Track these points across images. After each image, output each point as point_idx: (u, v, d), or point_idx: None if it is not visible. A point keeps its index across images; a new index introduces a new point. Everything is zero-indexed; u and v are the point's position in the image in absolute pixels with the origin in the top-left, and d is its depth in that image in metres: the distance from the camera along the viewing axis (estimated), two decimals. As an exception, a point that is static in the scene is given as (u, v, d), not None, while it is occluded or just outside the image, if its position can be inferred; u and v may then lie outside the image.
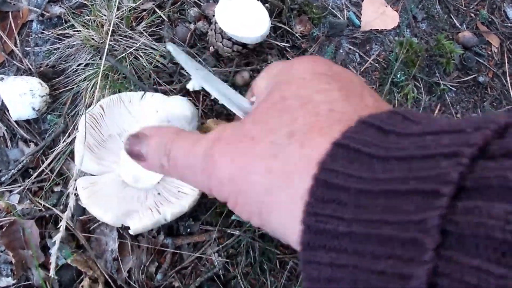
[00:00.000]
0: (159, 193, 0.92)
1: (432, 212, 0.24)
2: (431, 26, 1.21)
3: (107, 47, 1.02)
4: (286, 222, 0.35)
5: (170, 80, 1.05)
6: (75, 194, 0.96)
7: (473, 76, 1.18)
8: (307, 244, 0.31)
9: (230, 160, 0.39)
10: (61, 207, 1.01)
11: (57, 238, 0.90)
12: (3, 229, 0.99)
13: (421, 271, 0.23)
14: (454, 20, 1.23)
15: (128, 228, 0.85)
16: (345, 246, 0.29)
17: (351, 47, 1.15)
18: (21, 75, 1.09)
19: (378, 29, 1.16)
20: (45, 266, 0.99)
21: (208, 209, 1.01)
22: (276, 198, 0.35)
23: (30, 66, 1.09)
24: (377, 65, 1.14)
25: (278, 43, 1.09)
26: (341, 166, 0.31)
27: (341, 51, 1.14)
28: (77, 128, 0.95)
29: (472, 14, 1.25)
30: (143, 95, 0.95)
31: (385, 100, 1.07)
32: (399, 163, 0.29)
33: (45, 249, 1.00)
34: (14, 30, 1.12)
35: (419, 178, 0.27)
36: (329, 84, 0.40)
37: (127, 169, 0.92)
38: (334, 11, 1.17)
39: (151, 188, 0.92)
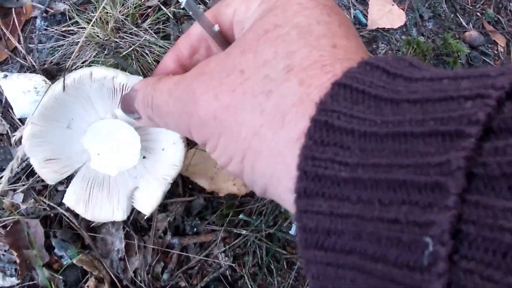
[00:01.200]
0: (144, 157, 0.85)
1: (457, 153, 0.22)
2: (438, 25, 1.20)
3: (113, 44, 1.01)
4: (275, 169, 0.31)
5: (176, 78, 1.04)
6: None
7: (479, 75, 1.18)
8: (303, 192, 0.28)
9: (214, 96, 0.34)
10: (66, 206, 0.99)
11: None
12: (7, 229, 0.97)
13: (444, 217, 0.21)
14: (461, 19, 1.22)
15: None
16: (347, 193, 0.26)
17: (357, 45, 1.14)
18: (25, 72, 1.08)
19: (384, 28, 1.16)
20: (50, 266, 0.98)
21: (214, 210, 1.00)
22: (266, 141, 0.31)
23: (34, 63, 1.07)
24: (384, 64, 1.14)
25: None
26: (344, 107, 0.28)
27: (348, 49, 1.14)
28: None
29: (478, 13, 1.24)
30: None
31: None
32: (412, 105, 0.26)
33: (49, 248, 0.99)
34: (18, 27, 1.10)
35: (438, 119, 0.24)
36: (330, 16, 0.35)
37: (103, 160, 0.84)
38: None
39: (136, 164, 0.84)
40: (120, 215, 0.84)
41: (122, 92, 0.83)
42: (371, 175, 0.25)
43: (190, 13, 0.41)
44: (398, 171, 0.24)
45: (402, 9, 1.19)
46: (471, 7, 1.24)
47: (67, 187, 1.02)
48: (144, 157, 0.87)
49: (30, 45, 1.09)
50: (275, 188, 0.32)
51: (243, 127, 0.32)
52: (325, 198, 0.27)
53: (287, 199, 0.31)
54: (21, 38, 1.10)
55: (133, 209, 0.91)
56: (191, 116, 0.36)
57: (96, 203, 0.85)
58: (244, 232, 0.98)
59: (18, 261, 0.96)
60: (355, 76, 0.29)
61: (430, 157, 0.23)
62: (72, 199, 0.86)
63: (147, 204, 0.84)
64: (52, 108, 0.86)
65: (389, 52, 1.15)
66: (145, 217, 0.83)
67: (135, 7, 1.06)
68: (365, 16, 1.17)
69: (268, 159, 0.31)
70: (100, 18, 1.05)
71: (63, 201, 0.87)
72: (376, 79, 0.29)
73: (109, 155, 0.84)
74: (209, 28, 0.43)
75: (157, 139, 0.87)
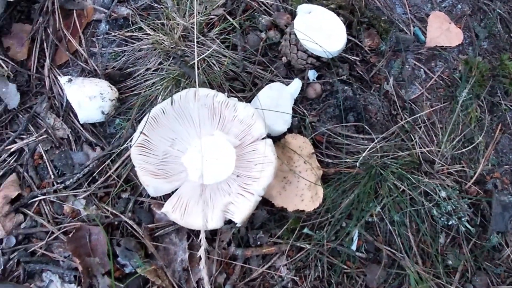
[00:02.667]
0: (238, 176, 0.92)
1: None
2: (492, 45, 1.22)
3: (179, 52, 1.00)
4: None
5: (242, 88, 1.04)
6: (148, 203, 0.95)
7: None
8: None
9: None
10: (129, 214, 0.99)
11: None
12: (70, 235, 0.97)
13: None
14: (514, 40, 1.24)
15: (230, 221, 0.89)
16: None
17: (416, 62, 1.15)
18: (86, 76, 1.07)
19: (442, 46, 1.17)
20: (111, 274, 0.97)
21: (277, 223, 1.00)
22: None
23: (96, 68, 1.06)
24: (441, 82, 1.15)
25: (349, 57, 1.09)
26: None
27: (407, 66, 1.14)
28: (131, 161, 0.94)
29: (530, 35, 1.26)
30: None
31: (449, 119, 1.07)
32: None
33: (111, 256, 0.98)
34: (79, 29, 1.09)
35: None
36: None
37: (201, 171, 0.92)
38: (400, 25, 1.17)
39: (230, 175, 0.92)
40: (214, 224, 0.87)
41: (220, 111, 0.93)
42: None
43: None
44: None
45: (459, 27, 1.20)
46: (524, 28, 1.26)
47: (131, 194, 1.01)
48: (238, 176, 0.91)
49: (92, 49, 1.08)
50: None
51: None
52: None
53: None
54: (83, 41, 1.08)
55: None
56: None
57: (191, 213, 0.87)
58: (307, 246, 0.99)
59: (80, 268, 0.95)
60: None
61: None
62: (169, 207, 0.89)
63: (239, 215, 0.87)
64: (159, 119, 0.94)
65: (447, 70, 1.16)
66: (237, 225, 0.88)
67: (202, 16, 1.05)
68: (424, 33, 1.17)
69: None
70: (166, 25, 1.05)
71: (162, 211, 0.90)
72: None
73: (207, 168, 0.92)
74: None
75: (251, 158, 0.91)
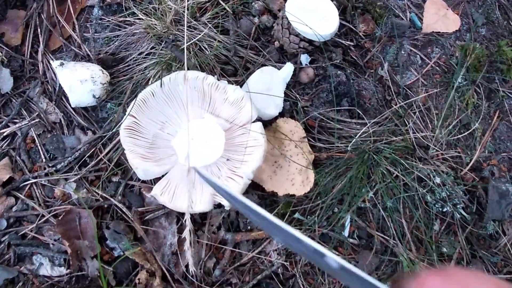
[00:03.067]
0: (228, 159, 0.91)
1: None
2: (491, 32, 1.20)
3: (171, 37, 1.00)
4: None
5: (234, 72, 1.03)
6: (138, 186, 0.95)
7: (530, 84, 1.17)
8: None
9: None
10: (119, 197, 0.99)
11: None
12: (59, 218, 0.97)
13: None
14: (513, 27, 1.22)
15: (220, 205, 0.89)
16: None
17: (412, 48, 1.14)
18: (79, 61, 1.07)
19: (439, 32, 1.15)
20: (100, 257, 0.97)
21: (268, 207, 0.99)
22: None
23: (89, 53, 1.07)
24: (438, 68, 1.13)
25: (343, 41, 1.08)
26: None
27: (402, 52, 1.13)
28: (121, 144, 0.94)
29: (530, 22, 1.24)
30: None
31: (445, 104, 1.06)
32: None
33: (101, 239, 0.98)
34: (73, 15, 1.10)
35: None
36: None
37: (190, 154, 0.91)
38: (396, 11, 1.15)
39: (219, 159, 0.92)
40: (202, 207, 0.86)
41: (210, 93, 0.92)
42: None
43: None
44: None
45: (456, 14, 1.18)
46: (523, 15, 1.24)
47: (121, 178, 1.01)
48: (228, 160, 0.91)
49: (85, 34, 1.08)
50: None
51: None
52: None
53: None
54: (76, 26, 1.09)
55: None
56: None
57: (180, 195, 0.87)
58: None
59: (69, 251, 0.95)
60: None
61: None
62: (158, 190, 0.89)
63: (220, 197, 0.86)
64: (149, 102, 0.93)
65: (443, 57, 1.15)
66: (226, 208, 0.88)
67: (193, 0, 1.05)
68: (420, 19, 1.16)
69: None
70: (158, 9, 1.05)
71: (151, 194, 0.90)
72: None
73: (196, 151, 0.91)
74: None
75: (241, 141, 0.91)
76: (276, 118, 1.01)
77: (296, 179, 0.96)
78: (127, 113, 0.91)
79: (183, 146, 0.92)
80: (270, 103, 1.00)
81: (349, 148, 0.99)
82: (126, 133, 0.92)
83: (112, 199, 0.98)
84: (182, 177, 0.90)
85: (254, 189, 0.99)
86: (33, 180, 1.00)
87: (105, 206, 0.99)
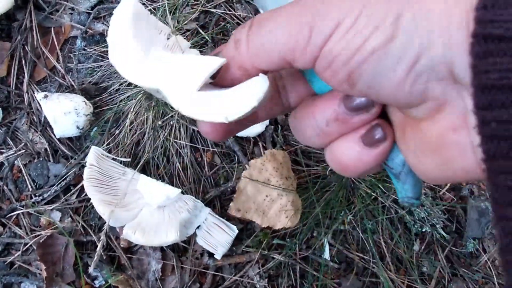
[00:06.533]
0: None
1: None
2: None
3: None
4: (446, 22, 0.25)
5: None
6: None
7: None
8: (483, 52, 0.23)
9: None
10: (105, 230, 1.01)
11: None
12: (40, 241, 0.99)
13: None
14: None
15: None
16: None
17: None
18: (63, 91, 1.10)
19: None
20: (75, 285, 0.99)
21: (249, 235, 1.01)
22: None
23: (73, 83, 1.09)
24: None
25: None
26: None
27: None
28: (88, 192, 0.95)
29: None
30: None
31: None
32: None
33: (84, 267, 1.00)
34: (56, 46, 1.12)
35: None
36: None
37: (154, 195, 0.94)
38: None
39: (178, 194, 0.94)
40: (173, 237, 0.89)
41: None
42: None
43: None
44: None
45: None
46: None
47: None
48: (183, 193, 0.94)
49: (69, 65, 1.11)
50: (443, 44, 0.25)
51: None
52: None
53: (456, 62, 0.25)
54: (60, 57, 1.11)
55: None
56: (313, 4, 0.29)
57: (150, 231, 0.89)
58: (278, 257, 0.99)
59: (44, 274, 0.97)
60: None
61: None
62: (129, 231, 0.91)
63: (192, 228, 0.92)
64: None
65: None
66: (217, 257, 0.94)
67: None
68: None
69: (430, 13, 0.26)
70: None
71: (123, 235, 0.91)
72: None
73: (159, 190, 0.94)
74: None
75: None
76: (257, 142, 1.04)
77: (289, 210, 0.98)
78: (87, 163, 0.93)
79: (147, 188, 0.95)
80: None
81: (327, 173, 1.01)
82: (89, 183, 0.93)
83: (93, 236, 1.00)
84: (152, 215, 0.92)
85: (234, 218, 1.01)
86: (20, 210, 1.02)
87: (86, 239, 1.01)
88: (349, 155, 0.33)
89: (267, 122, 1.04)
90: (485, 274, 1.08)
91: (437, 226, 1.05)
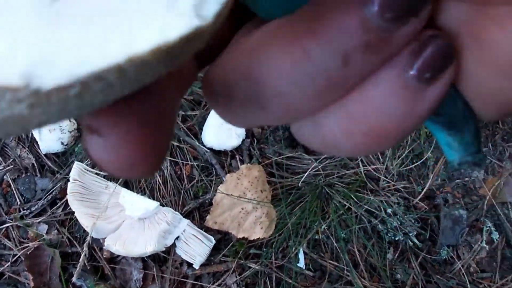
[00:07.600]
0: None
1: None
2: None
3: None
4: None
5: (193, 107, 1.10)
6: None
7: None
8: None
9: None
10: (87, 237, 1.06)
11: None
12: (28, 252, 1.04)
13: None
14: None
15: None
16: None
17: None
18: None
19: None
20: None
21: (226, 245, 1.05)
22: None
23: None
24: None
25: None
26: None
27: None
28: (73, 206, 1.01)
29: None
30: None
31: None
32: None
33: (70, 276, 1.05)
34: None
35: None
36: None
37: (135, 207, 0.99)
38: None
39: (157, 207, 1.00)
40: (152, 248, 0.94)
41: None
42: None
43: None
44: None
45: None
46: None
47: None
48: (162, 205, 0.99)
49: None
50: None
51: None
52: None
53: None
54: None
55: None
56: None
57: (130, 243, 0.94)
58: (254, 266, 1.03)
59: (31, 284, 1.02)
60: None
61: None
62: (110, 242, 0.96)
63: (171, 239, 0.96)
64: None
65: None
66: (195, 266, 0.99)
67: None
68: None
69: None
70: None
71: (105, 246, 0.97)
72: None
73: (139, 203, 1.00)
74: None
75: None
76: (234, 155, 1.08)
77: (263, 222, 1.02)
78: (71, 178, 0.98)
79: (128, 200, 1.00)
80: (232, 133, 1.06)
81: (300, 184, 1.05)
82: (73, 197, 0.98)
83: (78, 247, 1.05)
84: (132, 227, 0.97)
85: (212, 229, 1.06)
86: (10, 223, 1.08)
87: (71, 250, 1.06)
88: (388, 109, 0.15)
89: (243, 135, 1.07)
90: (459, 281, 1.10)
91: (410, 234, 1.08)
